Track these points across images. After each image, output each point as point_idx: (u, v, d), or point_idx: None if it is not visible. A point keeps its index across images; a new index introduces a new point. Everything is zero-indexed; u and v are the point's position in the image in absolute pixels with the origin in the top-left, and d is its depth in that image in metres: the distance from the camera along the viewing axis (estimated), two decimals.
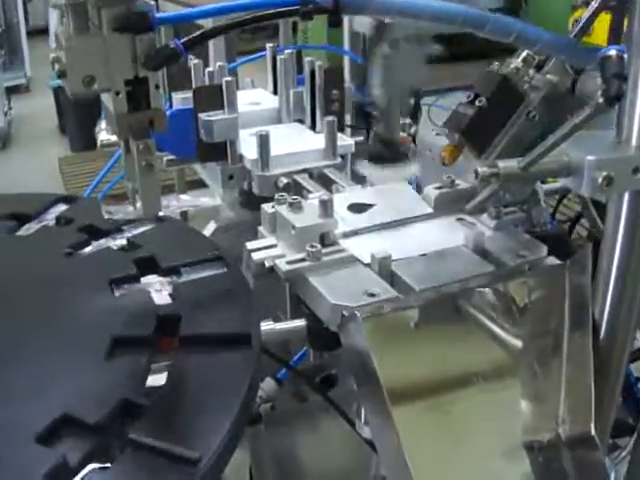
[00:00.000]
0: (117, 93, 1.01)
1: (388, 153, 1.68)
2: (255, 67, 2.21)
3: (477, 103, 1.20)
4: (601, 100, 0.89)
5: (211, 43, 4.06)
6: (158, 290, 1.13)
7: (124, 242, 1.28)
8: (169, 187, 4.65)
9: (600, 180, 0.93)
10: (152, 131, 1.05)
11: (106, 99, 1.05)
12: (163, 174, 4.56)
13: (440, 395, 1.10)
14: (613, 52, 0.90)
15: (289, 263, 1.18)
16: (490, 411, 1.11)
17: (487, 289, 1.16)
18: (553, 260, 1.23)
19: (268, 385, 1.41)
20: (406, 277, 1.16)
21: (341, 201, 1.39)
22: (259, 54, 2.04)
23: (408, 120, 1.68)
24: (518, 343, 1.15)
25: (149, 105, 1.03)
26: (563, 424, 1.08)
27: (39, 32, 9.24)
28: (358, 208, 1.37)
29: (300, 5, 0.96)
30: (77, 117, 5.51)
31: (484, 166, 0.96)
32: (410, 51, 1.54)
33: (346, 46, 2.16)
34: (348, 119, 1.89)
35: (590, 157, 0.94)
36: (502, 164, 0.97)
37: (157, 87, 1.03)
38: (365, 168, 1.67)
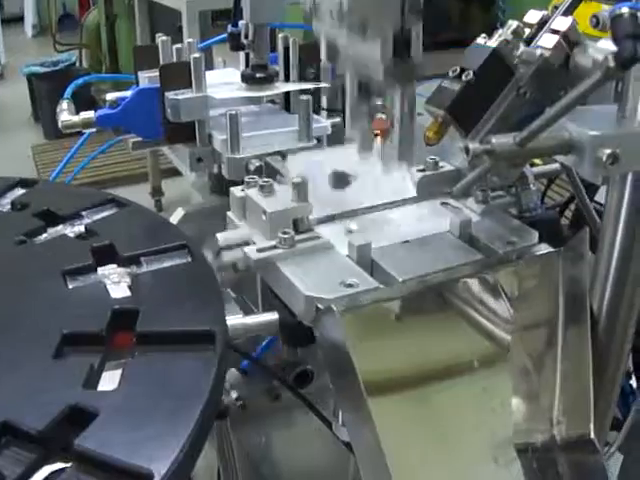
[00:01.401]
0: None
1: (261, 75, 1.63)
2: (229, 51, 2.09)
3: (464, 78, 1.10)
4: (612, 64, 0.79)
5: (185, 28, 4.00)
6: (116, 282, 1.03)
7: (82, 229, 1.18)
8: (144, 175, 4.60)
9: (604, 158, 0.84)
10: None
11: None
12: (137, 162, 4.51)
13: (423, 391, 1.03)
14: (625, 9, 0.80)
15: (259, 251, 1.09)
16: (476, 408, 1.04)
17: (474, 279, 1.07)
18: (545, 247, 1.15)
19: (232, 376, 1.30)
20: (387, 266, 1.07)
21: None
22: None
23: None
24: (508, 337, 1.08)
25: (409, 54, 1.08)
26: (558, 425, 1.02)
27: (14, 20, 9.22)
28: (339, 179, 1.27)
29: None
30: (50, 104, 5.40)
31: (475, 142, 0.87)
32: None
33: None
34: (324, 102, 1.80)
35: (593, 132, 0.85)
36: (496, 140, 0.88)
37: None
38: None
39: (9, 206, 1.26)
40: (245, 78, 1.63)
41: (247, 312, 1.39)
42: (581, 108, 0.88)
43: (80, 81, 1.76)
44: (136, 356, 0.88)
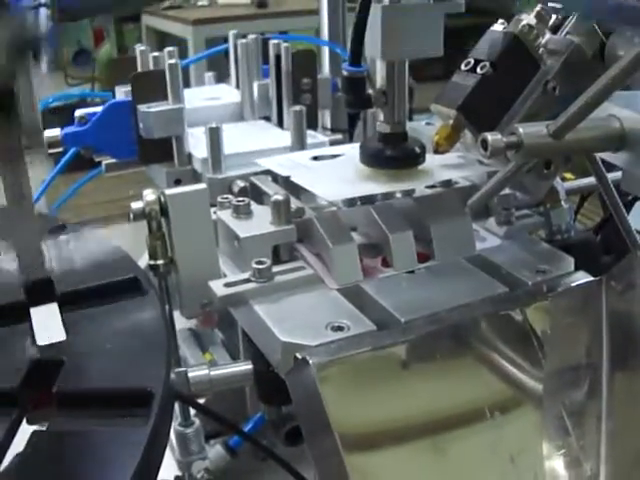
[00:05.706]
0: None
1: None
2: None
3: (479, 70, 0.92)
4: None
5: (192, 55, 3.85)
6: (47, 325, 0.83)
7: None
8: None
9: None
10: None
11: None
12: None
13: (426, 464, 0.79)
14: None
15: (228, 285, 0.88)
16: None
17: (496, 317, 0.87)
18: (584, 276, 0.94)
19: (217, 455, 1.09)
20: (387, 303, 0.86)
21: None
22: (222, 46, 1.75)
23: None
24: (539, 386, 0.86)
25: None
26: None
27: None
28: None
29: None
30: None
31: (496, 133, 0.67)
32: None
33: (325, 35, 1.88)
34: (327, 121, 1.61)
35: None
36: (523, 129, 0.67)
37: None
38: None
39: None
40: (374, 159, 1.04)
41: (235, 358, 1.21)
42: (630, 93, 0.68)
43: (51, 99, 1.59)
44: (55, 421, 0.67)
